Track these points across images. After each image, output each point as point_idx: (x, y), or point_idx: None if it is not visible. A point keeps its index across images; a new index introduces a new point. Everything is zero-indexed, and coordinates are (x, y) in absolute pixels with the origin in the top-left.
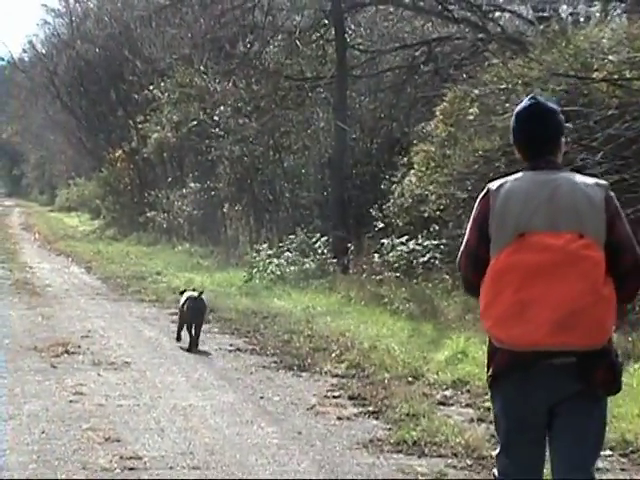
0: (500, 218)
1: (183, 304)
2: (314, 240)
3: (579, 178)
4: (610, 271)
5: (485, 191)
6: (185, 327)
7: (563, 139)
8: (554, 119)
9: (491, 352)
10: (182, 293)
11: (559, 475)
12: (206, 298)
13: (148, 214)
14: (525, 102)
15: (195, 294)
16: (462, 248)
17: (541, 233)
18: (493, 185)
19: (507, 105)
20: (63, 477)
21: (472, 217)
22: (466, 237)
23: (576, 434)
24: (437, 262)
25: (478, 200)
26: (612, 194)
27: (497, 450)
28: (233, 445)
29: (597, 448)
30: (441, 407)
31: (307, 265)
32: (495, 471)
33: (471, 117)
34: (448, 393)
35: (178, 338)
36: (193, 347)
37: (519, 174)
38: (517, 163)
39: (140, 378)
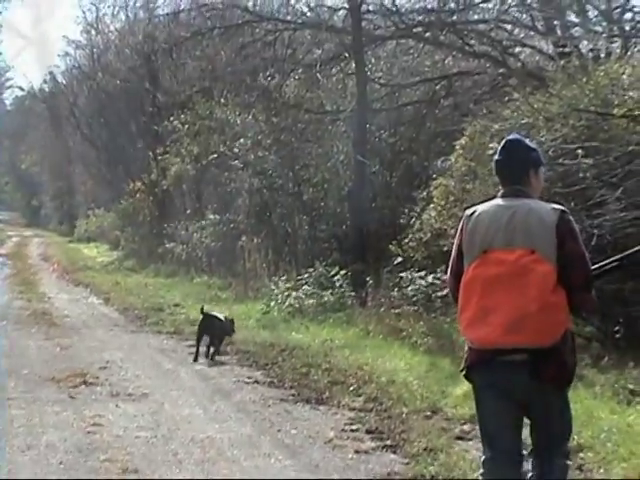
0: (470, 238)
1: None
2: (332, 273)
3: (537, 204)
4: (563, 284)
5: (463, 217)
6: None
7: (539, 172)
8: (523, 154)
9: (466, 350)
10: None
11: (535, 459)
12: (222, 315)
13: (167, 245)
14: (505, 139)
15: (209, 312)
16: (449, 266)
17: (499, 250)
18: (468, 211)
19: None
20: None
21: (455, 239)
22: (451, 256)
23: (540, 423)
24: None
25: (460, 224)
26: (567, 217)
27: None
28: (251, 478)
29: (563, 433)
30: (459, 442)
31: (325, 298)
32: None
33: (491, 152)
34: (466, 427)
35: (196, 358)
36: (209, 357)
37: (491, 201)
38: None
39: (158, 410)
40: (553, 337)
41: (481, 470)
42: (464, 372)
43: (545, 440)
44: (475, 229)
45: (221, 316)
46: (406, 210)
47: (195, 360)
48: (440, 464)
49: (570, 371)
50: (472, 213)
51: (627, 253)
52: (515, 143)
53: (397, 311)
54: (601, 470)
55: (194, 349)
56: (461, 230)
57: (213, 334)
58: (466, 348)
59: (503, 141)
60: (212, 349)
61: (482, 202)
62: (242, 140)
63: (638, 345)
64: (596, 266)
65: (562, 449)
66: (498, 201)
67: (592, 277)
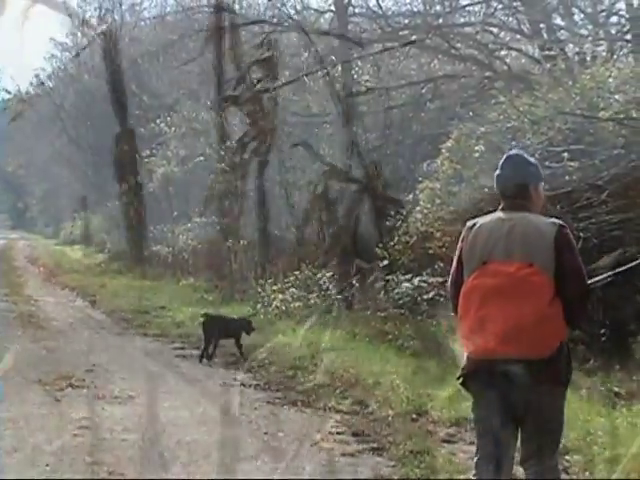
0: (470, 250)
1: None
2: (319, 276)
3: (536, 218)
4: (560, 295)
5: (465, 228)
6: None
7: (539, 187)
8: (524, 168)
9: (465, 359)
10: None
11: (522, 463)
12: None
13: (153, 248)
14: (506, 154)
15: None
16: (450, 275)
17: (498, 262)
18: (470, 223)
19: (513, 143)
20: None
21: (456, 249)
22: (452, 266)
23: (534, 428)
24: (442, 299)
25: (461, 236)
26: (566, 231)
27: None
28: None
29: (554, 440)
30: (445, 445)
31: (312, 301)
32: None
33: (477, 154)
34: (452, 430)
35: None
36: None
37: (492, 214)
38: None
39: (144, 412)
40: (549, 348)
41: (473, 471)
42: (460, 380)
43: (538, 444)
44: (475, 241)
45: (233, 316)
46: (392, 213)
47: (205, 358)
48: (426, 467)
49: (565, 381)
50: (473, 225)
51: (623, 269)
52: (516, 158)
53: (383, 314)
54: (587, 472)
55: (180, 351)
56: (462, 241)
57: (206, 337)
58: (464, 357)
59: (504, 156)
60: (208, 350)
61: (484, 215)
62: (228, 143)
63: (624, 348)
64: (592, 280)
65: (554, 453)
66: (499, 214)
67: (588, 291)
